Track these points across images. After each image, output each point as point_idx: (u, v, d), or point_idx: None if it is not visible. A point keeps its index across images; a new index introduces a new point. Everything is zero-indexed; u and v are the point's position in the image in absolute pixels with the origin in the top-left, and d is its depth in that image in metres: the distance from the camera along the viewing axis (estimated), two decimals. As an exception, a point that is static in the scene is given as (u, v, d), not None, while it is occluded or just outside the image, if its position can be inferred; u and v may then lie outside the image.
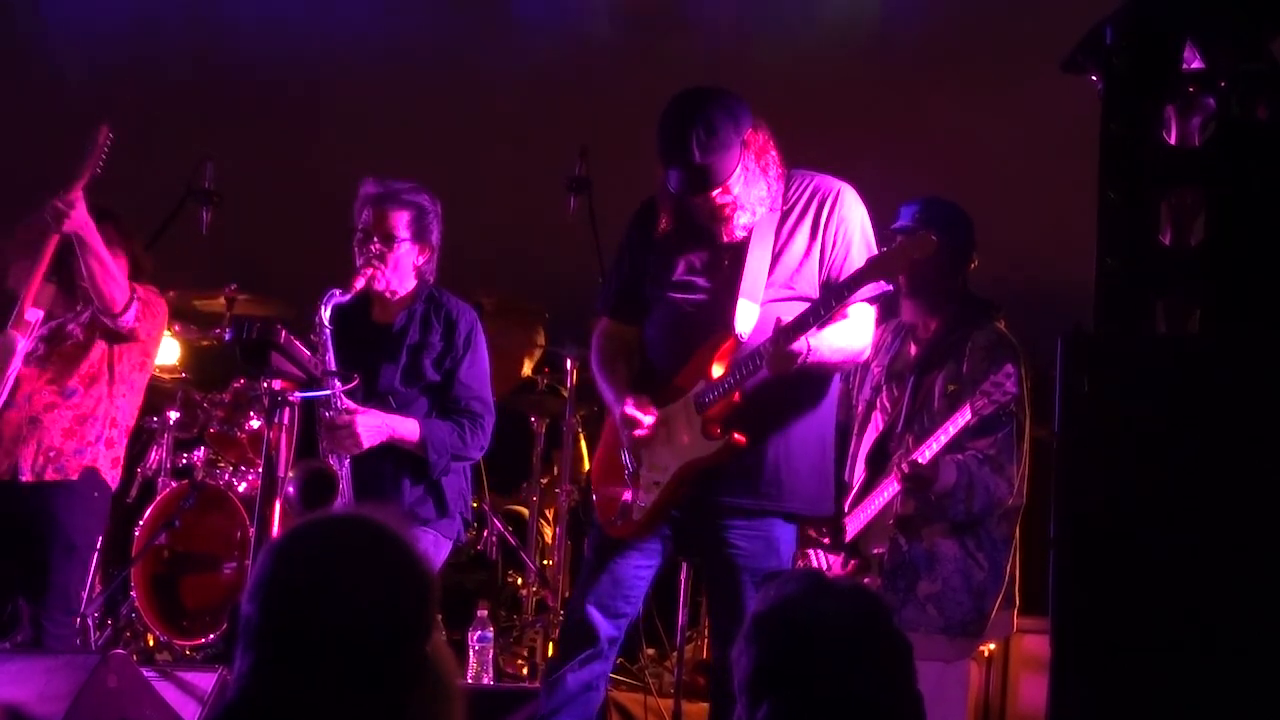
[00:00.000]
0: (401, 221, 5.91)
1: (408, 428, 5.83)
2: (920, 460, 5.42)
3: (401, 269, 5.95)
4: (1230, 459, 3.39)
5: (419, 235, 5.94)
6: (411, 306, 6.01)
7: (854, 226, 5.04)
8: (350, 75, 9.11)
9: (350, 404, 5.76)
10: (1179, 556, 3.37)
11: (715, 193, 4.93)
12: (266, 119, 9.12)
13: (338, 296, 5.80)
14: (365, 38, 9.13)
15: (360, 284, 5.85)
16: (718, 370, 4.94)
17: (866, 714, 2.72)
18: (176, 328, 8.02)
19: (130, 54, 9.20)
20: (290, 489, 5.68)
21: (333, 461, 5.75)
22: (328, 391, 5.75)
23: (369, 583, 2.59)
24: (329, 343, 5.78)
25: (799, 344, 4.83)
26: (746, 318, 4.95)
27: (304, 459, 5.80)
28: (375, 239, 5.89)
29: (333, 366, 5.78)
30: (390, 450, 5.84)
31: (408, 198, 5.95)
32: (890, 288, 5.15)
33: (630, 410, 5.04)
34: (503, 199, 8.83)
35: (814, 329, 4.87)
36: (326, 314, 5.77)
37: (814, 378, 5.05)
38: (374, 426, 5.78)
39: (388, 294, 5.98)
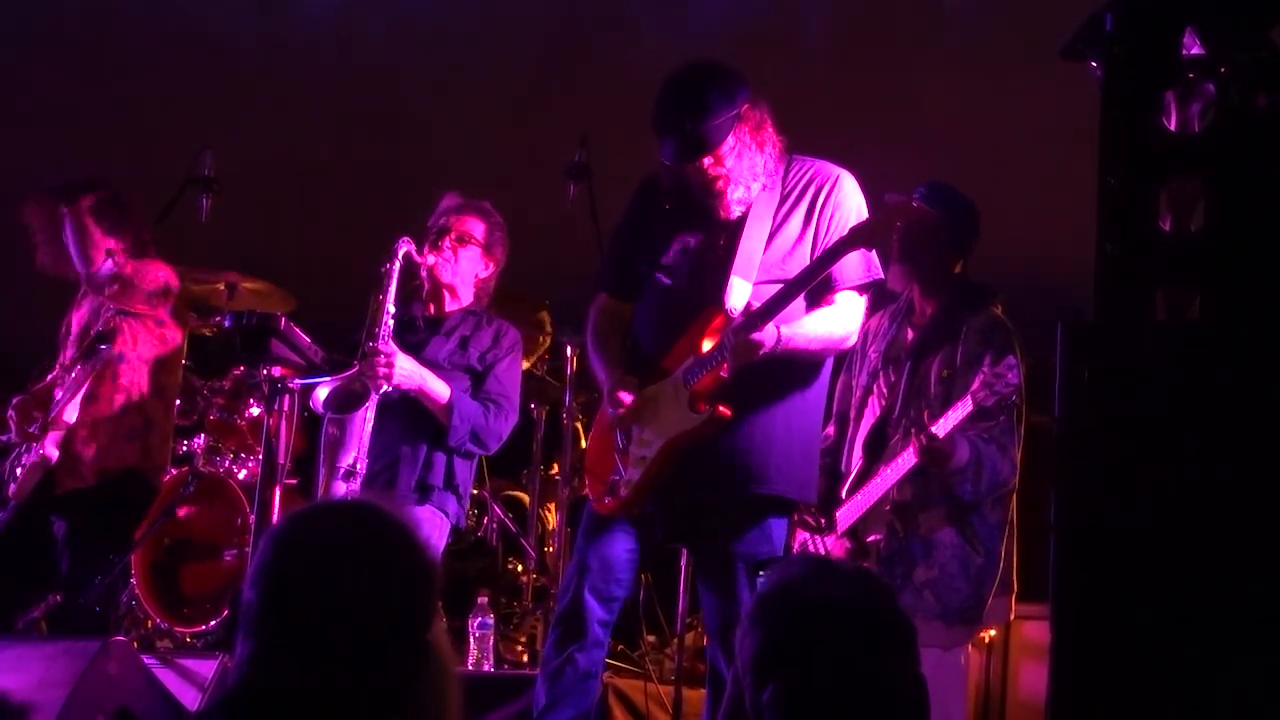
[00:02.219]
0: (478, 227, 6.34)
1: (439, 386, 6.05)
2: (938, 434, 5.41)
3: (465, 272, 6.34)
4: (1231, 447, 3.39)
5: (488, 247, 6.36)
6: (466, 312, 6.35)
7: (849, 213, 5.04)
8: (348, 63, 9.10)
9: (393, 346, 5.98)
10: (1179, 544, 3.37)
11: (707, 163, 4.96)
12: (265, 106, 9.11)
13: (409, 244, 6.13)
14: (363, 25, 9.12)
15: (430, 259, 6.22)
16: (707, 346, 4.95)
17: (871, 695, 2.73)
18: (177, 315, 8.03)
19: (128, 40, 9.19)
20: (321, 389, 5.78)
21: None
22: (328, 379, 5.83)
23: (370, 570, 2.60)
24: (395, 274, 6.06)
25: (763, 333, 4.84)
26: (739, 295, 4.95)
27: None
28: (452, 234, 6.29)
29: (391, 301, 6.04)
30: (412, 413, 6.01)
31: (486, 208, 6.41)
32: (881, 276, 5.16)
33: (615, 392, 5.09)
34: (502, 186, 8.82)
35: (786, 309, 4.89)
36: (401, 251, 6.08)
37: (803, 362, 5.05)
38: (408, 371, 6.00)
39: (447, 291, 6.31)
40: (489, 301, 6.47)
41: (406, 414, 6.03)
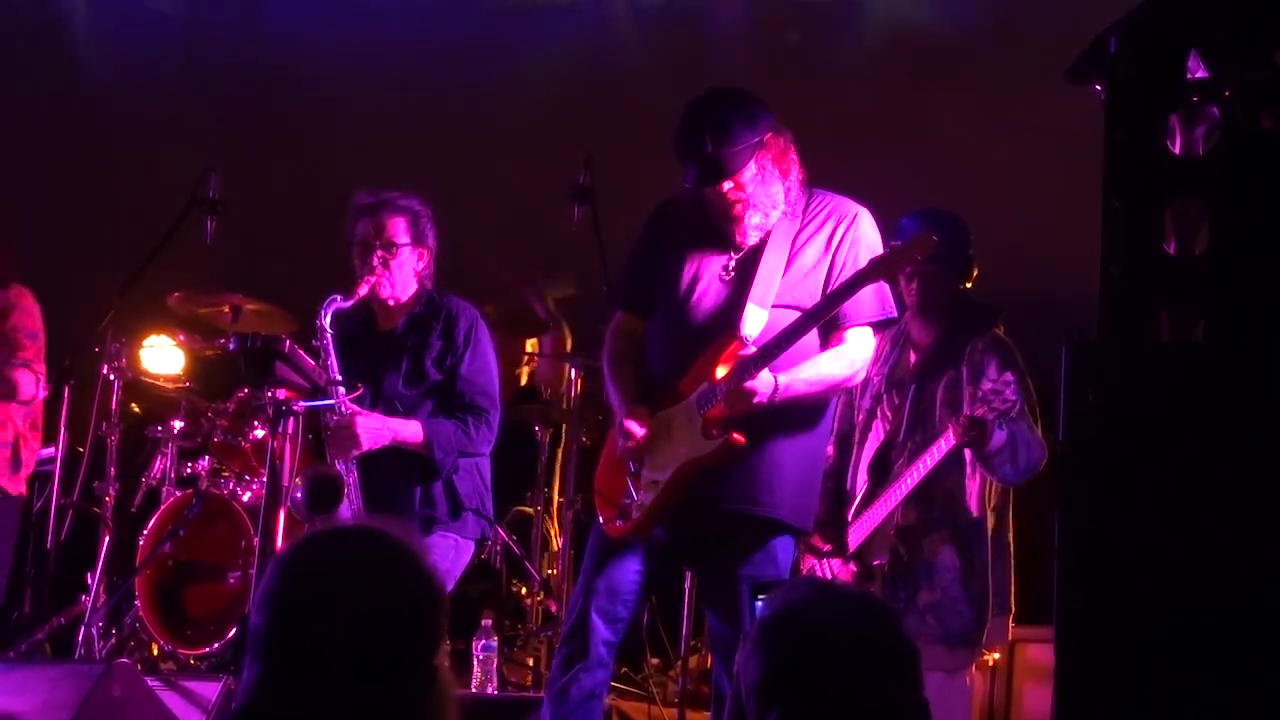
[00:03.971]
0: (399, 228, 6.06)
1: (410, 429, 5.93)
2: (982, 416, 5.37)
3: (404, 275, 6.08)
4: (1235, 468, 3.38)
5: (417, 239, 6.08)
6: (411, 311, 6.11)
7: (865, 249, 5.03)
8: (355, 85, 9.12)
9: (353, 407, 5.86)
10: (1184, 566, 3.37)
11: (727, 188, 4.96)
12: (271, 128, 9.13)
13: (339, 302, 5.92)
14: (371, 47, 9.14)
15: (364, 290, 5.97)
16: (721, 372, 4.94)
17: (875, 718, 2.72)
18: (181, 337, 8.03)
19: (135, 62, 9.21)
20: (296, 494, 5.72)
21: (340, 466, 5.82)
22: (332, 401, 5.81)
23: (377, 595, 2.59)
24: (330, 348, 5.90)
25: (757, 381, 4.84)
26: (754, 321, 4.95)
27: (311, 464, 5.86)
28: (377, 248, 6.01)
29: (335, 373, 5.88)
30: (397, 454, 5.94)
31: (402, 204, 6.08)
32: (895, 315, 5.15)
33: (626, 423, 5.08)
34: (507, 208, 8.84)
35: (795, 344, 4.89)
36: (327, 319, 5.88)
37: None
38: (375, 429, 5.88)
39: (391, 301, 6.09)
40: (434, 281, 6.17)
41: (388, 458, 5.93)
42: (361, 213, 6.07)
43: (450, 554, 5.97)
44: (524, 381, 8.41)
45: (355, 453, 5.84)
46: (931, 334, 5.79)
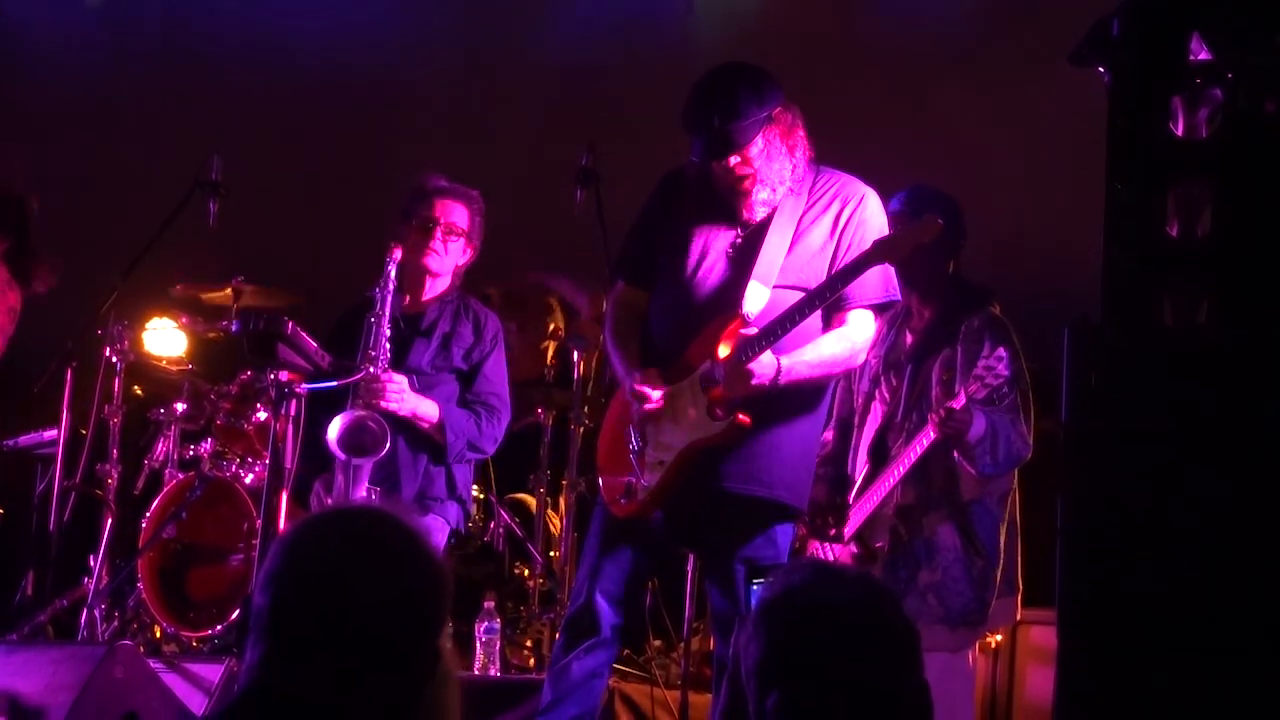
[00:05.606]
0: (462, 217, 6.31)
1: (428, 408, 6.10)
2: (955, 406, 5.39)
3: (450, 263, 6.33)
4: (1238, 451, 3.38)
5: (471, 235, 6.34)
6: (443, 301, 6.34)
7: (871, 232, 5.03)
8: (356, 67, 9.11)
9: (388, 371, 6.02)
10: (1187, 548, 3.37)
11: (734, 162, 4.95)
12: (273, 111, 9.12)
13: (399, 254, 6.14)
14: (372, 30, 9.13)
15: (421, 252, 6.21)
16: (724, 351, 4.93)
17: (876, 700, 2.73)
18: (183, 320, 8.03)
19: (137, 43, 9.20)
20: (331, 427, 5.80)
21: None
22: (334, 383, 5.85)
23: (381, 575, 2.59)
24: (390, 295, 6.07)
25: (758, 363, 4.84)
26: (756, 299, 4.95)
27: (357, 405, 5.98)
28: (439, 228, 6.24)
29: (387, 325, 6.06)
30: (406, 430, 6.06)
31: (469, 194, 6.35)
32: (899, 298, 5.14)
33: (639, 386, 5.05)
34: (509, 191, 8.83)
35: (798, 327, 4.88)
36: (392, 272, 6.09)
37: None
38: (403, 394, 6.04)
39: (429, 279, 6.32)
40: (461, 284, 6.48)
41: (403, 426, 6.07)
42: (435, 193, 6.29)
43: (438, 534, 6.07)
44: (550, 359, 8.38)
45: (383, 406, 5.96)
46: (927, 315, 5.79)
